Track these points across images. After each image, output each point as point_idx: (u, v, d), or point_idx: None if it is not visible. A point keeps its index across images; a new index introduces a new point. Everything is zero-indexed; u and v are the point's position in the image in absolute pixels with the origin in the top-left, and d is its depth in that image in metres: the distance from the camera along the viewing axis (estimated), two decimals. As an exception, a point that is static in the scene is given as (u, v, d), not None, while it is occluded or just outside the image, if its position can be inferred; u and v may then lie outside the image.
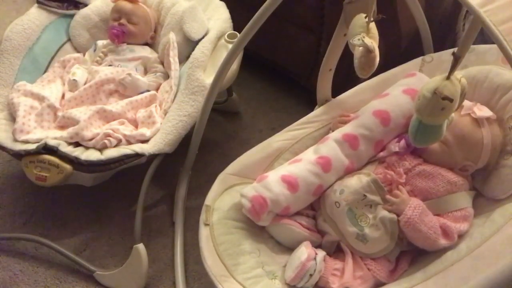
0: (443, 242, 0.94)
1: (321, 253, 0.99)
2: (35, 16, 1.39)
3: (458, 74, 0.76)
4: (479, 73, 1.09)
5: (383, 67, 1.12)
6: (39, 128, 1.22)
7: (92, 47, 1.45)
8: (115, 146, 1.18)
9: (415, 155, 1.05)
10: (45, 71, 1.39)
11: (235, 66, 1.28)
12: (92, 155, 1.12)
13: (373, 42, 0.88)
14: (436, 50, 1.27)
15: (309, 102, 1.36)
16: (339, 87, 1.26)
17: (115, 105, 1.27)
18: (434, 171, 1.01)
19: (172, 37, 1.35)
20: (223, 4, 1.44)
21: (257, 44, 1.20)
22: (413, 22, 1.24)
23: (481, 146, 1.00)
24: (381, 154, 1.09)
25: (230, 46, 1.27)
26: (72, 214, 1.36)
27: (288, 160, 1.13)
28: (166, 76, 1.38)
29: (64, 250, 1.22)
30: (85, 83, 1.33)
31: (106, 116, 1.24)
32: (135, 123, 1.27)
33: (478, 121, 1.01)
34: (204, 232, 1.02)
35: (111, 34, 1.39)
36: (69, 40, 1.47)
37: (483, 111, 1.01)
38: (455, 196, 0.99)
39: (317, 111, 1.23)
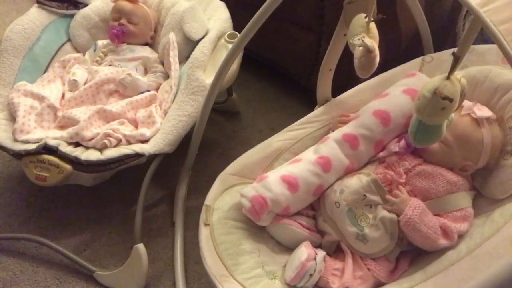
0: (443, 242, 0.94)
1: (321, 253, 0.99)
2: (35, 16, 1.39)
3: (458, 74, 0.76)
4: (479, 73, 1.09)
5: (383, 67, 1.12)
6: (39, 128, 1.22)
7: (92, 47, 1.45)
8: (115, 146, 1.18)
9: (415, 155, 1.05)
10: (45, 71, 1.38)
11: (235, 66, 1.28)
12: (92, 155, 1.12)
13: (373, 42, 0.88)
14: (436, 50, 1.27)
15: (309, 102, 1.36)
16: (339, 87, 1.26)
17: (115, 105, 1.27)
18: (434, 171, 1.01)
19: (172, 37, 1.35)
20: (223, 4, 1.44)
21: (257, 44, 1.20)
22: (413, 22, 1.24)
23: (481, 146, 1.00)
24: (381, 154, 1.09)
25: (230, 46, 1.27)
26: (72, 214, 1.35)
27: (288, 160, 1.13)
28: (166, 76, 1.38)
29: (64, 250, 1.22)
30: (85, 83, 1.33)
31: (106, 116, 1.24)
32: (135, 123, 1.27)
33: (478, 121, 1.01)
34: (204, 232, 1.02)
35: (111, 34, 1.39)
36: (69, 40, 1.47)
37: (483, 111, 1.01)
38: (455, 196, 0.99)
39: (317, 111, 1.23)
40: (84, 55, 1.44)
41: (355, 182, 1.02)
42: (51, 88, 1.31)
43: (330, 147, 1.08)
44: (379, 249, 0.98)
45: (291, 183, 1.03)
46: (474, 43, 0.89)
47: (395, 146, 1.07)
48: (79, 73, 1.33)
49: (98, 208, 1.37)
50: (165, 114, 1.26)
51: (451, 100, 0.74)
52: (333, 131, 1.15)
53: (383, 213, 0.97)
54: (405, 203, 0.96)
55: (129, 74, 1.30)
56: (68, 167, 1.11)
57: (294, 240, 1.04)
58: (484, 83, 1.08)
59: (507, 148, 1.01)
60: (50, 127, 1.23)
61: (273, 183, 1.03)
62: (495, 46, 0.95)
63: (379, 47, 0.90)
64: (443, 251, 0.94)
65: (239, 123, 1.65)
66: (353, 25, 0.93)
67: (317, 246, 1.05)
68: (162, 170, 1.23)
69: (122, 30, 1.39)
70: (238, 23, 1.37)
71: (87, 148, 1.17)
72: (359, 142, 1.08)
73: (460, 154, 1.01)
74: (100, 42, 1.44)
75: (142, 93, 1.32)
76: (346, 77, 1.25)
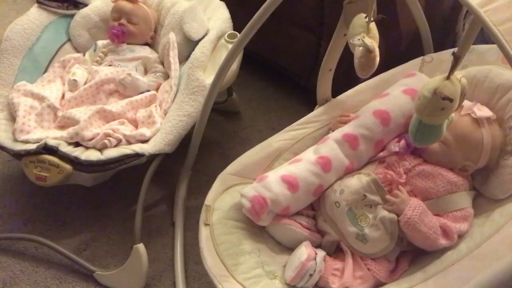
0: (443, 242, 0.94)
1: (321, 253, 0.99)
2: (35, 16, 1.39)
3: (458, 74, 0.76)
4: (479, 73, 1.09)
5: (383, 67, 1.12)
6: (39, 128, 1.22)
7: (92, 47, 1.45)
8: (115, 146, 1.18)
9: (415, 155, 1.05)
10: (45, 71, 1.39)
11: (235, 66, 1.28)
12: (92, 155, 1.12)
13: (373, 42, 0.88)
14: (436, 50, 1.27)
15: (309, 102, 1.36)
16: (339, 87, 1.26)
17: (115, 105, 1.27)
18: (434, 171, 1.01)
19: (172, 37, 1.35)
20: (223, 4, 1.44)
21: (257, 44, 1.20)
22: (413, 22, 1.24)
23: (481, 146, 1.00)
24: (381, 154, 1.09)
25: (230, 46, 1.27)
26: (72, 214, 1.35)
27: (288, 160, 1.13)
28: (166, 76, 1.38)
29: (64, 250, 1.22)
30: (85, 83, 1.33)
31: (106, 116, 1.24)
32: (135, 123, 1.27)
33: (478, 121, 1.00)
34: (204, 232, 1.02)
35: (111, 34, 1.39)
36: (69, 40, 1.47)
37: (483, 111, 1.01)
38: (455, 196, 0.99)
39: (317, 111, 1.23)
40: (84, 55, 1.44)
41: (355, 182, 1.02)
42: (51, 88, 1.31)
43: (330, 147, 1.08)
44: (379, 249, 0.98)
45: (291, 183, 1.03)
46: (474, 43, 0.89)
47: (395, 146, 1.07)
48: (79, 73, 1.34)
49: (98, 208, 1.37)
50: (165, 114, 1.26)
51: (451, 100, 0.74)
52: (333, 131, 1.15)
53: (383, 213, 0.97)
54: (405, 203, 0.96)
55: (129, 74, 1.30)
56: (68, 167, 1.11)
57: (294, 240, 1.04)
58: (484, 83, 1.08)
59: (507, 148, 1.01)
60: (50, 127, 1.23)
61: (273, 183, 1.03)
62: (495, 46, 0.95)
63: (379, 47, 0.90)
64: (443, 251, 0.94)
65: (239, 123, 1.65)
66: (353, 25, 0.93)
67: (317, 246, 1.05)
68: (162, 170, 1.23)
69: (122, 30, 1.39)
70: (238, 23, 1.37)
71: (87, 148, 1.16)
72: (359, 142, 1.08)
73: (460, 154, 1.01)
74: (100, 42, 1.44)
75: (142, 93, 1.32)
76: (346, 77, 1.25)
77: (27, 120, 1.20)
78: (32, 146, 1.13)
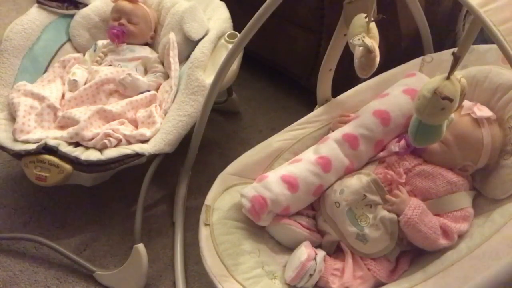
0: (443, 242, 0.94)
1: (321, 253, 0.99)
2: (35, 16, 1.39)
3: (458, 74, 0.76)
4: (479, 73, 1.09)
5: (383, 67, 1.12)
6: (39, 128, 1.21)
7: (92, 47, 1.45)
8: (115, 146, 1.18)
9: (415, 155, 1.05)
10: (45, 71, 1.38)
11: (235, 66, 1.28)
12: (92, 155, 1.12)
13: (373, 42, 0.88)
14: (436, 50, 1.27)
15: (309, 102, 1.36)
16: (339, 87, 1.26)
17: (115, 105, 1.27)
18: (434, 171, 1.01)
19: (172, 37, 1.35)
20: (223, 4, 1.44)
21: (257, 44, 1.20)
22: (413, 22, 1.24)
23: (481, 146, 1.00)
24: (381, 154, 1.09)
25: (230, 46, 1.27)
26: (72, 214, 1.36)
27: (288, 160, 1.13)
28: (166, 76, 1.38)
29: (64, 250, 1.22)
30: (85, 83, 1.33)
31: (106, 116, 1.24)
32: (135, 123, 1.27)
33: (478, 121, 1.01)
34: (204, 232, 1.02)
35: (111, 34, 1.39)
36: (69, 40, 1.47)
37: (483, 111, 1.01)
38: (455, 196, 0.99)
39: (317, 111, 1.23)
40: (84, 55, 1.44)
41: (355, 182, 1.02)
42: (51, 88, 1.31)
43: (330, 147, 1.08)
44: (379, 249, 0.98)
45: (291, 183, 1.03)
46: (474, 43, 0.89)
47: (395, 146, 1.07)
48: (79, 73, 1.34)
49: (98, 208, 1.37)
50: (165, 114, 1.26)
51: (451, 100, 0.74)
52: (333, 131, 1.15)
53: (383, 213, 0.97)
54: (405, 203, 0.96)
55: (129, 74, 1.30)
56: (68, 167, 1.11)
57: (294, 240, 1.04)
58: (484, 83, 1.08)
59: (507, 148, 1.01)
60: (50, 127, 1.23)
61: (273, 183, 1.03)
62: (495, 46, 0.95)
63: (379, 47, 0.90)
64: (443, 251, 0.94)
65: (239, 123, 1.65)
66: (353, 25, 0.93)
67: (317, 246, 1.05)
68: (162, 170, 1.23)
69: (122, 30, 1.39)
70: (238, 23, 1.37)
71: (87, 148, 1.16)
72: (359, 142, 1.08)
73: (460, 154, 1.01)
74: (100, 42, 1.44)
75: (142, 93, 1.32)
76: (346, 77, 1.25)
77: (27, 120, 1.20)
78: (32, 146, 1.13)
